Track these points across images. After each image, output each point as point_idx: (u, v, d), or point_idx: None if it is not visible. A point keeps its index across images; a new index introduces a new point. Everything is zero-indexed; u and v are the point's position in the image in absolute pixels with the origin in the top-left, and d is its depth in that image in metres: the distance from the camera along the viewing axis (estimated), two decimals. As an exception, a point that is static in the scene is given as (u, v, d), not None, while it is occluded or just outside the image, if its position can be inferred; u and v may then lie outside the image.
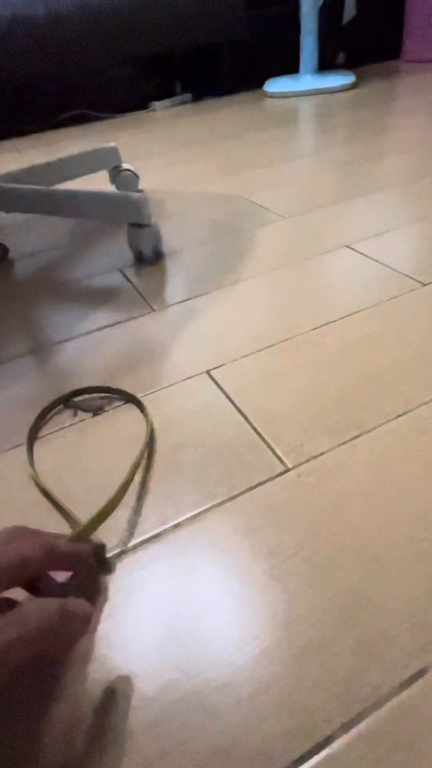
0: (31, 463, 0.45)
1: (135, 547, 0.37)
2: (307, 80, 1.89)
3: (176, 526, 0.39)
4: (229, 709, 0.28)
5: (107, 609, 0.34)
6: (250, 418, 0.47)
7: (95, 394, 0.53)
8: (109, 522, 0.39)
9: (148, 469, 0.43)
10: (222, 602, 0.33)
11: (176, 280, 0.72)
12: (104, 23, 1.70)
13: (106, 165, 1.03)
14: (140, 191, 1.08)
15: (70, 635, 0.28)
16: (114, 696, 0.30)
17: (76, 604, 0.29)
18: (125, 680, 0.30)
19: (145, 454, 0.45)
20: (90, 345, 0.61)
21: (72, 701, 0.30)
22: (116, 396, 0.52)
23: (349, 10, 1.97)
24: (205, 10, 1.80)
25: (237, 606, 0.33)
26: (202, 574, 0.35)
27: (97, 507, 0.40)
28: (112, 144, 1.02)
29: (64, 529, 0.39)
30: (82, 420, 0.50)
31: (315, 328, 0.58)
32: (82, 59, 1.77)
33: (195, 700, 0.29)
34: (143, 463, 0.44)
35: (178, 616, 0.33)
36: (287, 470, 0.41)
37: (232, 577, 0.35)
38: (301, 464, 0.42)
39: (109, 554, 0.37)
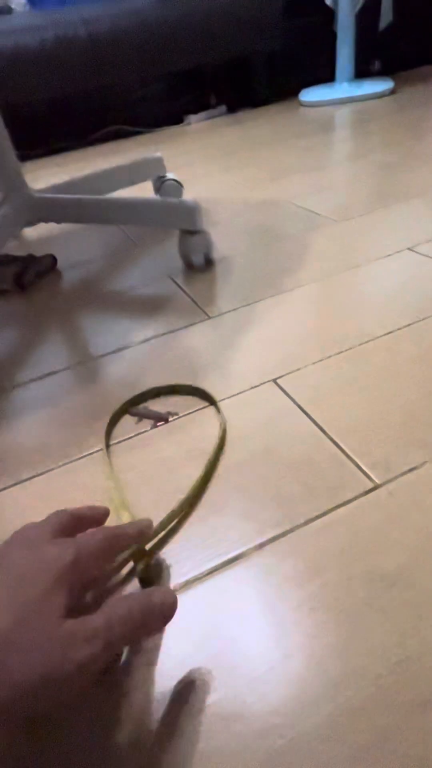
0: (110, 473, 0.43)
1: (217, 568, 0.34)
2: (343, 88, 1.87)
3: (259, 546, 0.35)
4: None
5: (198, 639, 0.31)
6: (327, 430, 0.44)
7: (162, 396, 0.51)
8: (182, 539, 0.37)
9: (221, 482, 0.41)
10: (315, 636, 0.30)
11: (230, 287, 0.70)
12: (140, 43, 1.73)
13: (151, 175, 1.03)
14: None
15: (150, 630, 0.29)
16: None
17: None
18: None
19: (217, 465, 0.42)
20: (148, 353, 0.59)
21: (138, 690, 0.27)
22: (189, 395, 0.50)
23: (386, 16, 1.95)
24: (242, 24, 1.81)
25: (333, 642, 0.29)
26: (289, 603, 0.32)
27: (166, 519, 0.38)
28: (158, 154, 1.02)
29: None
30: (150, 429, 0.47)
31: (387, 334, 0.54)
32: (119, 77, 1.80)
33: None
34: (215, 474, 0.41)
35: (263, 650, 0.30)
36: (376, 487, 0.38)
37: (324, 606, 0.31)
38: (391, 480, 0.38)
39: (182, 579, 0.34)
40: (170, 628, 0.31)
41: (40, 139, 1.93)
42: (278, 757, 0.25)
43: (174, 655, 0.30)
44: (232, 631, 0.31)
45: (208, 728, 0.27)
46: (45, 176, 1.58)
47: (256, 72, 2.00)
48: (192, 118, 2.01)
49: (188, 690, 0.28)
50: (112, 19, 1.67)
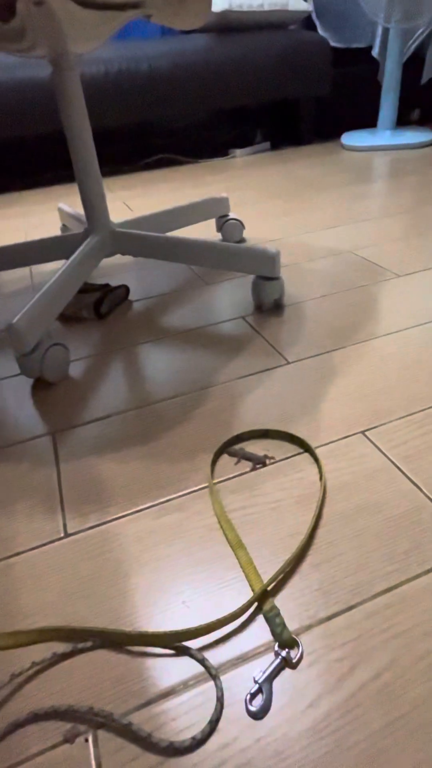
0: (220, 513, 0.46)
1: (328, 617, 0.38)
2: (386, 135, 1.95)
3: (374, 596, 0.38)
4: None
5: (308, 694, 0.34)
6: (424, 488, 0.47)
7: (255, 439, 0.54)
8: (300, 585, 0.40)
9: (327, 531, 0.44)
10: (446, 687, 0.33)
11: (304, 333, 0.74)
12: (197, 80, 1.82)
13: (216, 214, 1.08)
14: (243, 240, 1.13)
15: None
16: None
17: None
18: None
19: (319, 514, 0.45)
20: (233, 394, 0.63)
21: None
22: (282, 440, 0.53)
23: (429, 71, 2.04)
24: (294, 69, 1.90)
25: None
26: (412, 654, 0.35)
27: (275, 564, 0.41)
28: (224, 194, 1.08)
29: (244, 584, 0.39)
30: (249, 470, 0.51)
31: (465, 395, 0.58)
32: (173, 109, 1.88)
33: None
34: (320, 523, 0.45)
35: (392, 701, 0.32)
36: None
37: (450, 660, 0.34)
38: None
39: (296, 626, 0.37)
40: (294, 672, 0.34)
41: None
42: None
43: (297, 696, 0.33)
44: (359, 676, 0.34)
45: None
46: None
47: (302, 113, 2.09)
48: (237, 152, 2.09)
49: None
50: (173, 57, 1.76)
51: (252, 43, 1.85)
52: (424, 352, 0.67)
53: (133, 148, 2.13)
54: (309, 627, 0.37)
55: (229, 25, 1.85)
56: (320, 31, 2.02)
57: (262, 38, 1.87)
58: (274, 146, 2.18)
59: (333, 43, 2.02)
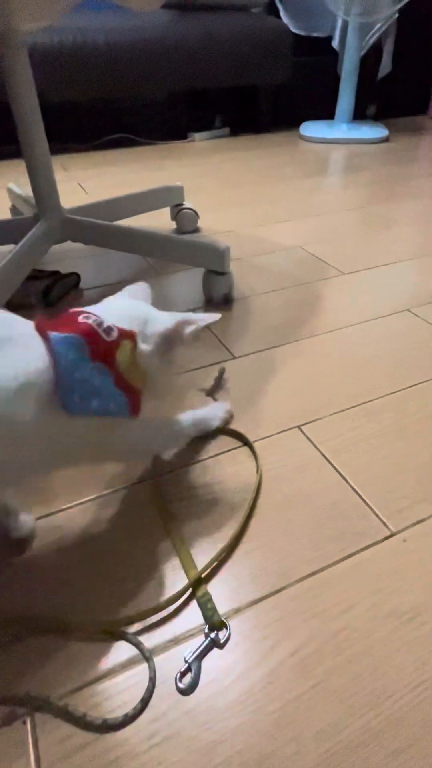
0: (161, 506, 0.49)
1: (256, 601, 0.41)
2: (342, 129, 1.99)
3: (298, 580, 0.42)
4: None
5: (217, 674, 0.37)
6: (350, 480, 0.51)
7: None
8: (232, 571, 0.43)
9: (260, 520, 0.47)
10: (351, 661, 0.37)
11: (251, 328, 0.77)
12: (157, 58, 1.78)
13: (170, 203, 1.08)
14: (198, 230, 1.14)
15: None
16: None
17: None
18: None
19: (254, 505, 0.49)
20: (178, 388, 0.65)
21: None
22: (228, 436, 0.56)
23: (386, 66, 2.08)
24: (255, 55, 1.89)
25: (363, 667, 0.37)
26: (327, 631, 0.39)
27: (209, 552, 0.44)
28: (179, 184, 1.08)
29: (181, 572, 0.42)
30: (192, 463, 0.53)
31: (394, 392, 0.63)
32: (131, 87, 1.83)
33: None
34: (254, 513, 0.48)
35: (306, 673, 0.36)
36: (392, 534, 0.46)
37: (356, 636, 0.38)
38: (404, 530, 0.46)
39: (227, 609, 0.41)
40: (222, 651, 0.38)
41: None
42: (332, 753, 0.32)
43: (223, 672, 0.36)
44: (279, 653, 0.37)
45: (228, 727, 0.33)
46: (51, 178, 1.59)
47: (262, 101, 2.08)
48: (197, 135, 2.06)
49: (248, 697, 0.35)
50: (131, 32, 1.71)
51: (213, 24, 1.82)
52: (359, 351, 0.71)
53: (91, 125, 2.06)
54: (238, 610, 0.40)
55: (192, 4, 1.81)
56: (282, 17, 2.01)
57: (224, 20, 1.84)
58: (233, 132, 2.17)
59: (294, 30, 2.02)
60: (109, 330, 0.39)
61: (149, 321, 0.43)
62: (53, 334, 0.36)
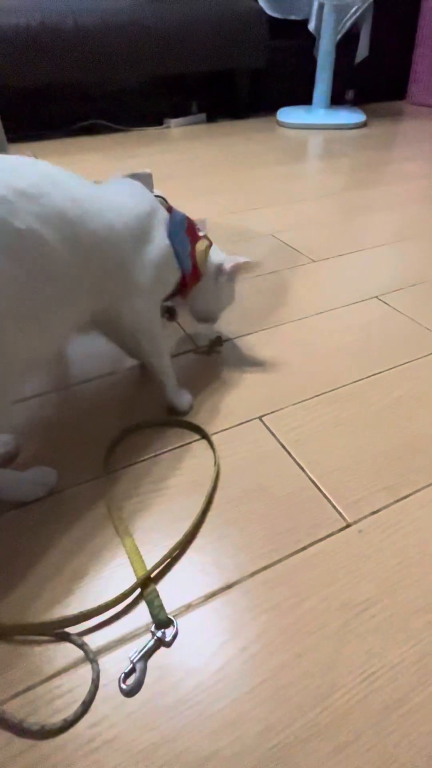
0: (110, 503, 0.47)
1: (215, 593, 0.40)
2: (320, 114, 1.96)
3: (252, 574, 0.41)
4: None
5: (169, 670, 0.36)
6: (308, 471, 0.50)
7: (155, 428, 0.55)
8: (185, 567, 0.42)
9: (217, 514, 0.46)
10: (302, 654, 0.36)
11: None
12: (128, 42, 1.73)
13: (139, 190, 1.05)
14: (168, 217, 1.11)
15: None
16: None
17: None
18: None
19: (213, 499, 0.48)
20: (137, 381, 0.63)
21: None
22: (187, 429, 0.55)
23: (363, 51, 2.05)
24: (231, 38, 1.85)
25: (316, 658, 0.36)
26: (279, 626, 0.38)
27: (163, 548, 0.43)
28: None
29: (130, 571, 0.41)
30: (148, 458, 0.52)
31: (358, 381, 0.62)
32: (102, 72, 1.79)
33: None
34: (210, 507, 0.47)
35: (255, 670, 0.36)
36: (348, 525, 0.45)
37: (308, 629, 0.38)
38: (360, 520, 0.45)
39: (184, 602, 0.40)
40: (169, 650, 0.37)
41: (14, 124, 1.87)
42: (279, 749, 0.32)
43: (169, 672, 0.36)
44: (228, 650, 0.37)
45: (206, 729, 0.33)
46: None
47: (238, 85, 2.05)
48: (172, 122, 2.02)
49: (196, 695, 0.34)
50: (102, 14, 1.66)
51: (188, 7, 1.78)
52: (326, 339, 0.70)
53: (65, 111, 2.00)
54: (189, 606, 0.39)
55: (163, -15, 1.76)
56: (258, -1, 1.96)
57: (199, 2, 1.80)
58: (210, 118, 2.13)
59: (270, 13, 1.97)
60: (200, 230, 0.60)
61: (216, 252, 0.63)
62: (174, 208, 0.58)
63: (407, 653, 0.36)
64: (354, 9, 1.89)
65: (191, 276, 0.57)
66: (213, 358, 0.67)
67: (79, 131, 1.96)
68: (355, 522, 0.45)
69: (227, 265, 0.61)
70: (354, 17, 1.89)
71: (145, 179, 1.06)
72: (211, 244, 0.61)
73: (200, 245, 0.58)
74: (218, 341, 0.68)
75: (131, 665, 0.35)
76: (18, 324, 0.37)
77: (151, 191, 1.08)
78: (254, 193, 1.26)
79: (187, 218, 0.58)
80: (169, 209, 0.57)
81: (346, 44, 2.07)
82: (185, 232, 0.56)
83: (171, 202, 0.56)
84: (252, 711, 0.34)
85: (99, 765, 0.31)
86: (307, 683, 0.35)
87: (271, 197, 1.23)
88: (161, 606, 0.38)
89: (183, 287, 0.58)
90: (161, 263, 0.52)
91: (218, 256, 0.63)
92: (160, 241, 0.52)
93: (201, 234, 0.60)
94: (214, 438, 0.54)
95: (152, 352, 0.55)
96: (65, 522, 0.46)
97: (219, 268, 0.62)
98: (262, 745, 0.32)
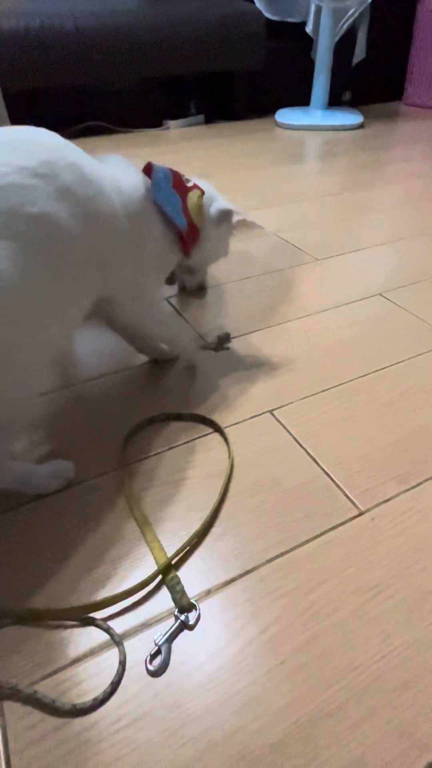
0: (129, 494, 0.49)
1: (233, 579, 0.41)
2: (317, 115, 1.98)
3: (268, 561, 0.43)
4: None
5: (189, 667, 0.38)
6: (321, 462, 0.52)
7: (170, 422, 0.57)
8: (204, 555, 0.43)
9: (232, 504, 0.48)
10: (318, 637, 0.38)
11: (224, 315, 0.77)
12: (127, 44, 1.74)
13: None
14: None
15: None
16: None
17: None
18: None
19: (226, 490, 0.49)
20: (151, 376, 0.65)
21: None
22: (200, 423, 0.56)
23: (360, 52, 2.08)
24: (230, 40, 1.87)
25: (332, 642, 0.37)
26: (294, 610, 0.39)
27: (182, 537, 0.44)
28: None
29: (151, 560, 0.42)
30: (163, 450, 0.53)
31: (365, 375, 0.63)
32: (101, 74, 1.80)
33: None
34: (225, 498, 0.48)
35: (274, 651, 0.37)
36: (361, 513, 0.46)
37: (324, 613, 0.39)
38: (372, 508, 0.47)
39: (197, 592, 0.41)
40: (192, 633, 0.38)
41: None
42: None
43: (193, 653, 0.37)
44: (248, 633, 0.38)
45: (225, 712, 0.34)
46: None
47: (237, 87, 2.06)
48: (171, 123, 2.04)
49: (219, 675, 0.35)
50: (102, 17, 1.67)
51: (186, 9, 1.80)
52: (331, 336, 0.72)
53: (64, 113, 2.01)
54: (209, 592, 0.41)
55: (162, -13, 1.78)
56: (256, 2, 1.98)
57: (197, 4, 1.81)
58: (208, 120, 2.14)
59: (268, 15, 1.99)
60: (188, 180, 0.57)
61: (215, 198, 0.61)
62: (155, 164, 0.55)
63: (421, 634, 0.38)
64: (351, 11, 1.91)
65: (189, 233, 0.55)
66: (222, 355, 0.68)
67: (78, 133, 1.97)
68: (368, 510, 0.47)
69: (234, 219, 0.60)
70: (351, 19, 1.91)
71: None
72: (203, 193, 0.58)
73: (192, 197, 0.55)
74: (226, 338, 0.70)
75: (156, 647, 0.37)
76: (42, 310, 0.38)
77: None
78: (254, 194, 1.27)
79: (173, 171, 0.55)
80: (148, 168, 0.54)
81: (343, 46, 2.10)
82: (172, 187, 0.54)
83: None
84: (273, 689, 0.35)
85: (129, 741, 0.32)
86: (324, 663, 0.36)
87: (271, 197, 1.24)
88: (183, 591, 0.40)
89: (183, 246, 0.56)
90: (159, 239, 0.53)
91: (216, 202, 0.60)
92: (154, 222, 0.52)
93: (190, 185, 0.56)
94: (226, 431, 0.55)
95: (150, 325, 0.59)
96: (85, 513, 0.47)
97: (222, 213, 0.60)
98: (284, 720, 0.33)
